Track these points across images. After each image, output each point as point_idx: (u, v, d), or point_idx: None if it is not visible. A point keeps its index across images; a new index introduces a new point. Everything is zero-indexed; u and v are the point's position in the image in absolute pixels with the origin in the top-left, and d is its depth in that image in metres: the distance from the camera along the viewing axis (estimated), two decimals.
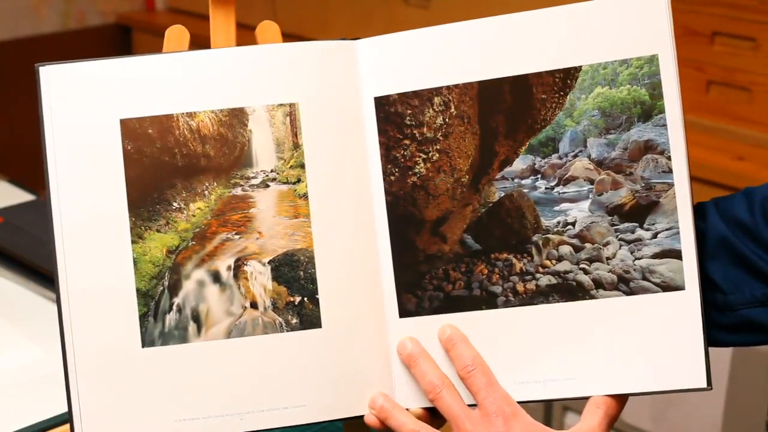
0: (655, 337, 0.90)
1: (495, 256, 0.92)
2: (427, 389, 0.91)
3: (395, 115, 0.92)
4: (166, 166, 0.91)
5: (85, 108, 0.90)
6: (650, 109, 0.90)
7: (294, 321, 0.91)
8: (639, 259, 0.90)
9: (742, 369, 1.81)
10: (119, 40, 3.13)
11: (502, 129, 0.92)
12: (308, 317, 0.91)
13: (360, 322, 0.92)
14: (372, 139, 0.93)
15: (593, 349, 0.90)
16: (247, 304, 0.91)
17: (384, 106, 0.92)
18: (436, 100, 0.92)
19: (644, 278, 0.90)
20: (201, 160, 0.92)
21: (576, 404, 2.05)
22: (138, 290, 0.90)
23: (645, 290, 0.90)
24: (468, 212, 0.93)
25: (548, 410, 2.10)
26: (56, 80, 0.90)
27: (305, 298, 0.91)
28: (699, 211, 0.95)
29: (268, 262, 0.91)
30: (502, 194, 0.93)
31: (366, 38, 0.93)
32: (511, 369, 0.91)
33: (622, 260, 0.90)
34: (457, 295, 0.92)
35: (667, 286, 0.90)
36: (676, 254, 0.90)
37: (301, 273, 0.91)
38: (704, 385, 0.89)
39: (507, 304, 0.92)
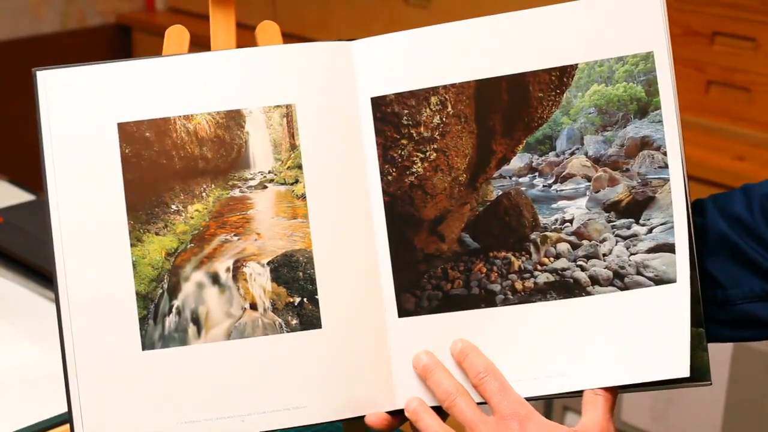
0: (648, 330, 0.90)
1: (493, 255, 0.92)
2: (441, 398, 0.90)
3: (392, 115, 0.92)
4: (163, 169, 0.91)
5: (83, 112, 0.90)
6: (646, 106, 0.90)
7: (294, 322, 0.91)
8: (634, 254, 0.90)
9: (743, 368, 1.81)
10: (119, 40, 3.13)
11: (499, 127, 0.92)
12: (308, 318, 0.91)
13: (359, 322, 0.92)
14: (369, 139, 0.92)
15: (589, 344, 0.90)
16: (247, 306, 0.91)
17: (381, 106, 0.92)
18: (433, 99, 0.92)
19: (638, 273, 0.90)
20: (198, 162, 0.92)
21: (576, 404, 2.04)
22: (137, 293, 0.90)
23: (638, 285, 0.90)
24: (466, 211, 0.93)
25: (548, 411, 2.10)
26: (53, 85, 0.90)
27: (305, 299, 0.91)
28: (698, 207, 0.95)
29: (267, 263, 0.91)
30: (500, 192, 0.93)
31: (362, 39, 0.93)
32: (510, 367, 0.91)
33: (617, 256, 0.90)
34: (456, 294, 0.92)
35: (660, 280, 0.90)
36: (670, 248, 0.90)
37: (300, 274, 0.91)
38: (687, 374, 0.89)
39: (506, 302, 0.92)
